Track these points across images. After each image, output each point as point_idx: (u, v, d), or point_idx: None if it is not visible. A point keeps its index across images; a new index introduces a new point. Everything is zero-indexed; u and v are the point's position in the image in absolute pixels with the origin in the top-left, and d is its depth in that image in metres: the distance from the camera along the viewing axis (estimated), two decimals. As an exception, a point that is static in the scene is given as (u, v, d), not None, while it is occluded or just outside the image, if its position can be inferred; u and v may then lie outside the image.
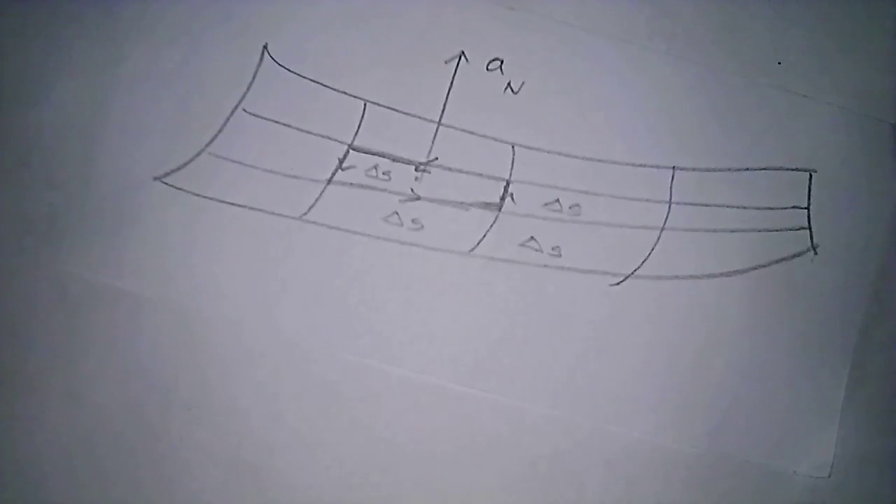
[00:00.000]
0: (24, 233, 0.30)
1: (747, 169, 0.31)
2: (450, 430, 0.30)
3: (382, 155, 0.31)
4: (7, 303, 0.30)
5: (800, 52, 0.32)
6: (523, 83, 0.31)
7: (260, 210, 0.30)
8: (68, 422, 0.30)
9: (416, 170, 0.31)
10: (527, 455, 0.30)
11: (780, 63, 0.32)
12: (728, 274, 0.31)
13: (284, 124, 0.31)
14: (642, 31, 0.32)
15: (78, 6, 0.31)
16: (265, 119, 0.31)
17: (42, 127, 0.30)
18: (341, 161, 0.31)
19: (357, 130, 0.31)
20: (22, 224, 0.30)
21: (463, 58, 0.31)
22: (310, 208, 0.30)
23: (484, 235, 0.31)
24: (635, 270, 0.31)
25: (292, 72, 0.31)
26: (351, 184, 0.31)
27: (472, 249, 0.31)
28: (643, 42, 0.32)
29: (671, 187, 0.31)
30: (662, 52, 0.32)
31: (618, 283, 0.31)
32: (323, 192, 0.30)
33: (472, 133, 0.31)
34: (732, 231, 0.31)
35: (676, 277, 0.31)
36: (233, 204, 0.30)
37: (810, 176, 0.31)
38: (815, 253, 0.31)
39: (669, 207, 0.31)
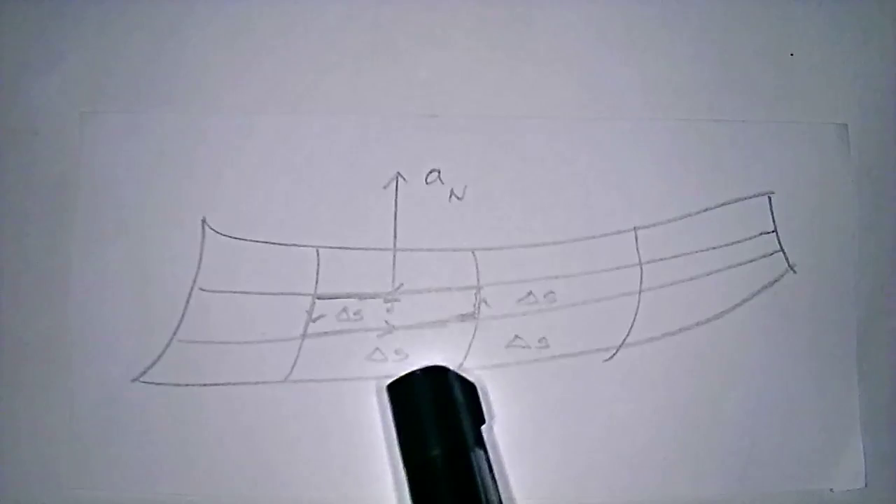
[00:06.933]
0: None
1: (706, 210, 0.31)
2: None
3: (348, 296, 0.30)
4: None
5: (722, 80, 0.32)
6: (466, 186, 0.31)
7: (244, 383, 0.30)
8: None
9: (385, 301, 0.30)
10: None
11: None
12: (717, 316, 0.31)
13: (244, 292, 0.30)
14: (567, 103, 0.31)
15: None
16: (224, 292, 0.30)
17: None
18: (310, 313, 0.30)
19: (317, 279, 0.30)
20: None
21: (400, 178, 0.31)
22: (292, 368, 0.30)
23: (469, 347, 0.30)
24: (624, 340, 0.30)
25: (237, 238, 0.31)
26: (326, 333, 0.30)
27: (461, 364, 0.30)
28: (569, 113, 0.31)
29: (637, 248, 0.31)
30: (591, 118, 0.31)
31: (611, 358, 0.30)
32: (300, 348, 0.30)
33: (429, 250, 0.31)
34: (709, 274, 0.31)
35: (666, 335, 0.30)
36: (216, 384, 0.30)
37: (769, 199, 0.31)
38: (794, 271, 0.31)
39: (641, 269, 0.31)
